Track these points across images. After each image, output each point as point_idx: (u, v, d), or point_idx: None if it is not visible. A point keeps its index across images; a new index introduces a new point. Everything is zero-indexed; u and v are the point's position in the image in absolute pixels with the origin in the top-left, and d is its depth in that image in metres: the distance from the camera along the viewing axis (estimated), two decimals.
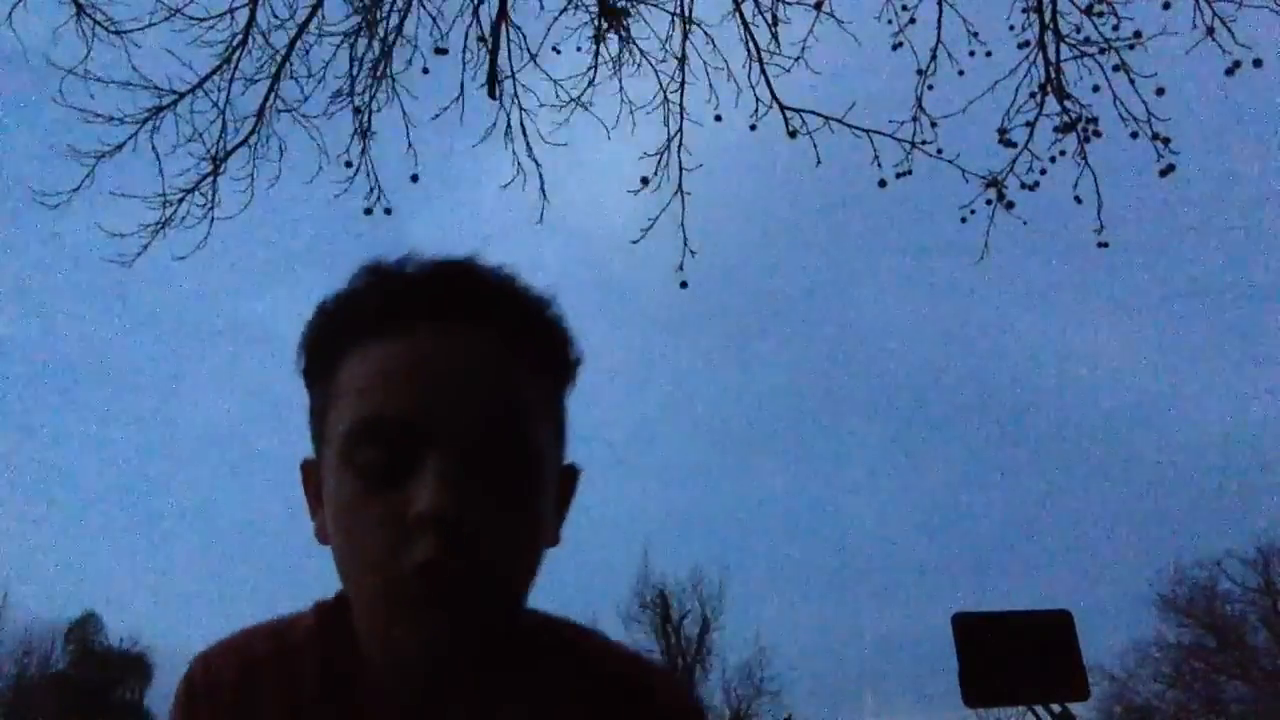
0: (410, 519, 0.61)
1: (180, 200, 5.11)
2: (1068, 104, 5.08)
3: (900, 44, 5.18)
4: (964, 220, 5.32)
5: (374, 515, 0.63)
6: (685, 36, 5.23)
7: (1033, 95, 5.12)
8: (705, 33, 5.22)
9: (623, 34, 5.28)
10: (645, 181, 5.31)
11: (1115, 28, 4.87)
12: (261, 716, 0.72)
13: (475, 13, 5.07)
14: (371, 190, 5.25)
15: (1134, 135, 4.95)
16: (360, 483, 0.64)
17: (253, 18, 4.98)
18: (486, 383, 0.65)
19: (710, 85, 5.26)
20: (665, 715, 0.75)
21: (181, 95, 5.00)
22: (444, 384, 0.64)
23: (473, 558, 0.62)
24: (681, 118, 5.35)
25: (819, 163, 5.17)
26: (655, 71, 5.33)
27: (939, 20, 5.05)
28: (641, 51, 5.31)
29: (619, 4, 5.24)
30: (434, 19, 5.04)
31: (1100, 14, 4.88)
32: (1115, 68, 4.90)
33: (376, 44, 5.14)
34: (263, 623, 0.79)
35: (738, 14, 5.20)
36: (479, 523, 0.62)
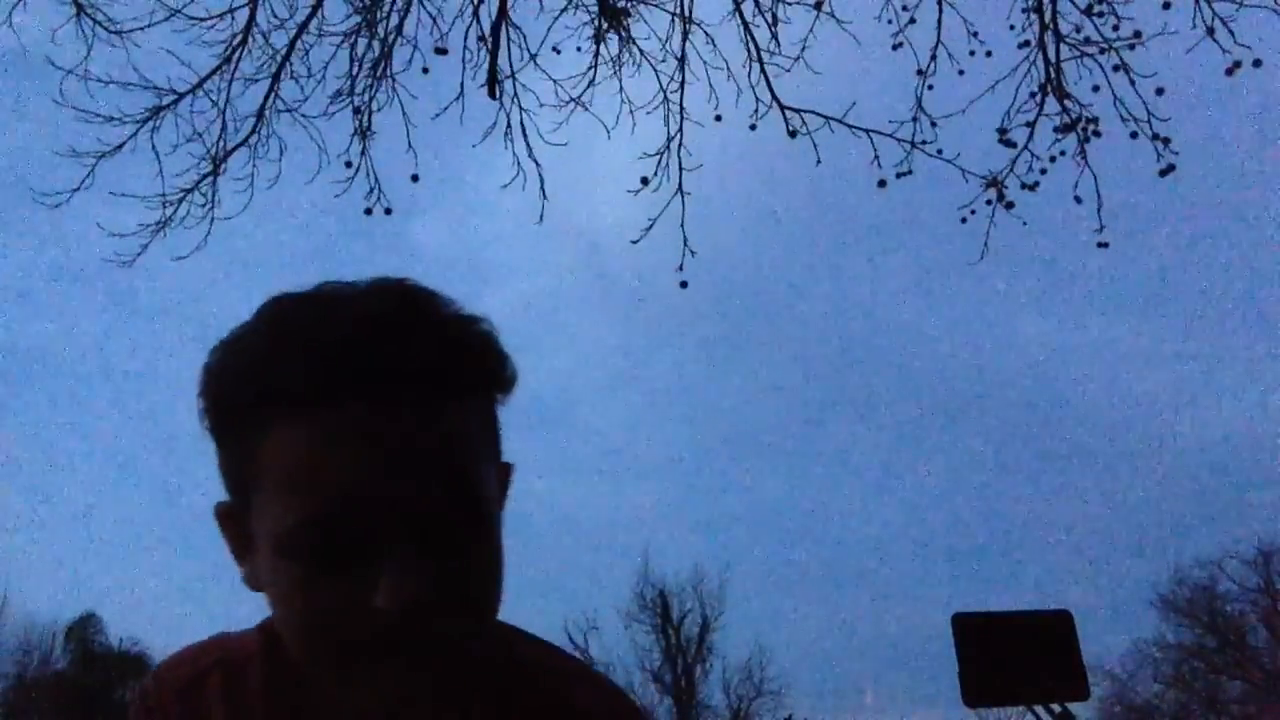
0: (370, 609, 0.59)
1: (180, 200, 5.12)
2: (1068, 104, 5.09)
3: (900, 44, 5.18)
4: (964, 220, 5.32)
5: (323, 608, 0.61)
6: (685, 36, 5.24)
7: (1033, 95, 5.12)
8: (705, 33, 5.23)
9: (623, 34, 5.28)
10: (645, 181, 5.31)
11: (1115, 28, 4.87)
12: None
13: (475, 13, 5.08)
14: (371, 190, 5.26)
15: (1134, 135, 4.96)
16: (303, 574, 0.61)
17: (253, 18, 4.98)
18: (428, 453, 0.61)
19: (710, 85, 5.27)
20: None
21: (181, 95, 5.01)
22: (383, 466, 0.60)
23: (439, 643, 0.62)
24: (681, 118, 5.35)
25: (819, 163, 5.18)
26: (655, 71, 5.33)
27: (939, 20, 5.05)
28: (641, 51, 5.31)
29: (619, 4, 5.24)
30: (434, 19, 5.05)
31: (1100, 14, 4.88)
32: (1115, 68, 4.91)
33: (376, 44, 5.15)
34: (208, 639, 0.82)
35: (738, 14, 5.20)
36: (441, 597, 0.61)
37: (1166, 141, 4.94)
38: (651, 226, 5.26)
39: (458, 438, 0.63)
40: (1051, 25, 5.03)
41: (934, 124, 5.14)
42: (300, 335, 0.62)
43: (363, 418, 0.60)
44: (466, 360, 0.65)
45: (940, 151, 5.15)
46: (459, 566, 0.63)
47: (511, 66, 5.11)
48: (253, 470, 0.63)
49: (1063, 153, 5.14)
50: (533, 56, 5.12)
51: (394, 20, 5.11)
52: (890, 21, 5.14)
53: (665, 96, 5.35)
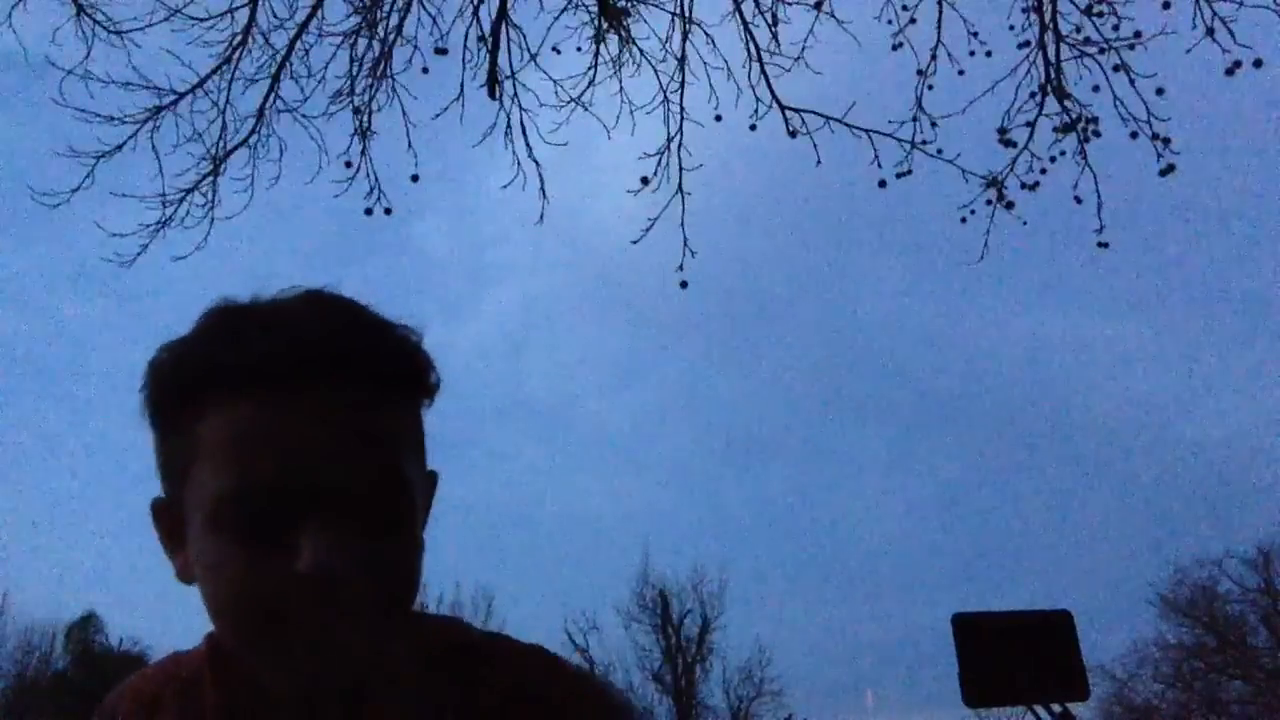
0: (291, 580, 0.62)
1: (180, 200, 5.12)
2: (1068, 104, 5.09)
3: (900, 44, 5.18)
4: (964, 220, 5.32)
5: (249, 576, 0.63)
6: (685, 36, 5.24)
7: (1033, 95, 5.12)
8: (705, 33, 5.23)
9: (623, 34, 5.28)
10: (645, 181, 5.31)
11: (1115, 28, 4.88)
12: None
13: (475, 13, 5.08)
14: (371, 190, 5.26)
15: (1134, 135, 4.96)
16: (232, 547, 0.64)
17: (253, 18, 4.98)
18: (359, 437, 0.65)
19: (710, 85, 5.27)
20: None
21: (181, 95, 5.01)
22: (317, 445, 0.63)
23: (358, 606, 0.64)
24: (681, 118, 5.35)
25: (819, 163, 5.18)
26: (655, 71, 5.33)
27: (939, 20, 5.05)
28: (641, 51, 5.31)
29: (619, 4, 5.24)
30: (434, 19, 5.05)
31: (1100, 14, 4.88)
32: (1115, 68, 4.91)
33: (376, 44, 5.15)
34: (164, 659, 0.84)
35: (738, 14, 5.20)
36: (360, 573, 0.64)
37: (1166, 141, 4.94)
38: (651, 226, 5.27)
39: (387, 429, 0.67)
40: (1051, 25, 5.03)
41: (934, 124, 5.15)
42: (242, 325, 0.67)
43: (299, 398, 0.64)
44: (397, 360, 0.69)
45: (940, 151, 5.16)
46: (381, 550, 0.65)
47: (511, 66, 5.11)
48: (191, 452, 0.66)
49: (1063, 153, 5.15)
50: (533, 56, 5.12)
51: (394, 20, 5.12)
52: (890, 21, 5.14)
53: (665, 96, 5.36)
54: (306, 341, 0.65)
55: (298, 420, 0.64)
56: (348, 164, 5.22)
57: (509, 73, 5.11)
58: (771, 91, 5.23)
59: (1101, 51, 4.92)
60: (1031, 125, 5.13)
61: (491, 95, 5.08)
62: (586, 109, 5.27)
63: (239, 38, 4.99)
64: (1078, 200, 5.17)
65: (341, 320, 0.68)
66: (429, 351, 0.73)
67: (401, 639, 0.73)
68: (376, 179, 5.27)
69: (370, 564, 0.64)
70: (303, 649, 0.63)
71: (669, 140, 5.35)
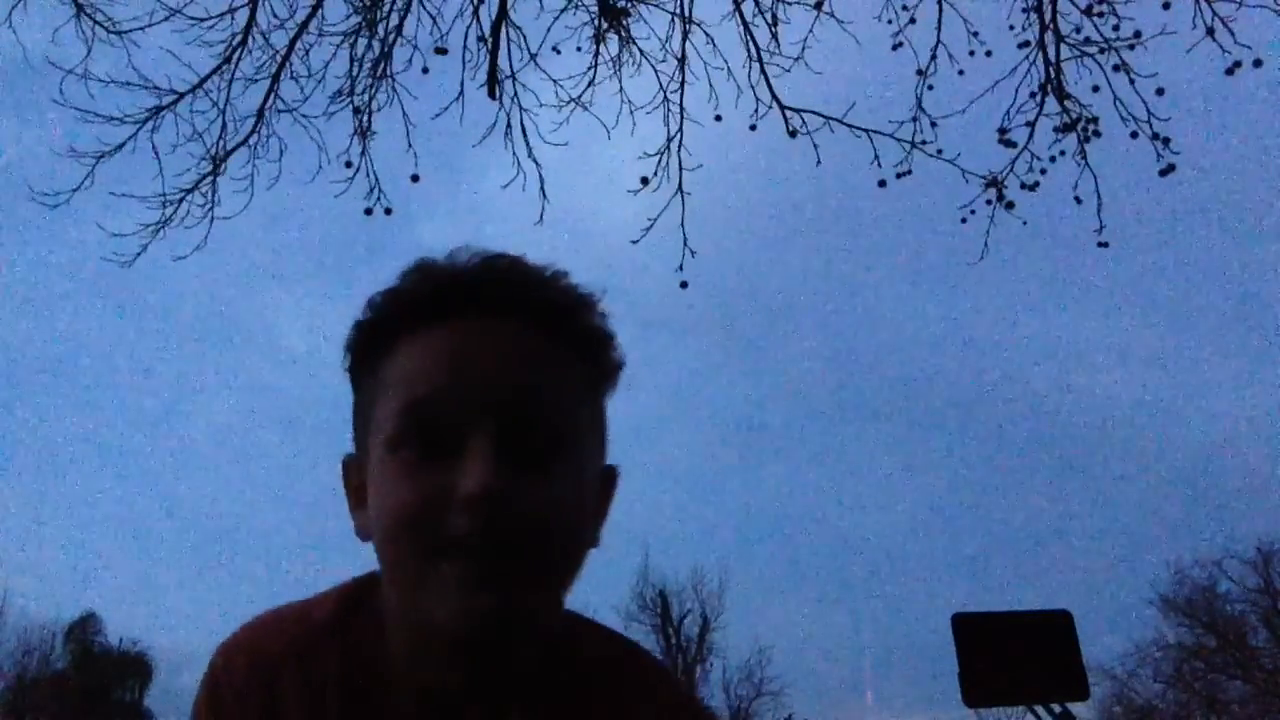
0: (457, 497, 0.62)
1: (180, 200, 5.11)
2: (1068, 104, 5.09)
3: (900, 44, 5.18)
4: (964, 220, 5.32)
5: (419, 493, 0.64)
6: (685, 36, 5.23)
7: (1033, 95, 5.12)
8: (705, 33, 5.22)
9: (623, 34, 5.28)
10: (645, 181, 5.31)
11: (1115, 28, 4.87)
12: (284, 717, 0.72)
13: (475, 13, 5.07)
14: (371, 190, 5.26)
15: (1134, 135, 4.96)
16: (406, 464, 0.65)
17: (253, 18, 4.98)
18: (524, 371, 0.67)
19: (710, 85, 5.27)
20: None
21: (181, 95, 5.00)
22: (483, 370, 0.66)
23: (519, 537, 0.63)
24: (681, 118, 5.35)
25: (819, 163, 5.18)
26: (655, 71, 5.32)
27: (939, 20, 5.05)
28: (641, 51, 5.31)
29: (619, 4, 5.24)
30: (434, 19, 5.04)
31: (1100, 14, 4.88)
32: (1115, 68, 4.91)
33: (376, 44, 5.14)
34: (282, 609, 0.78)
35: (738, 14, 5.20)
36: (524, 503, 0.64)
37: (1166, 141, 4.94)
38: (651, 226, 5.26)
39: (551, 378, 0.69)
40: (1051, 25, 5.03)
41: (934, 124, 5.14)
42: (425, 272, 0.71)
43: (468, 331, 0.68)
44: (572, 325, 0.71)
45: (940, 151, 5.15)
46: (545, 485, 0.66)
47: (511, 66, 5.11)
48: (376, 394, 0.70)
49: (1063, 153, 5.15)
50: (533, 56, 5.12)
51: (394, 20, 5.12)
52: (890, 21, 5.14)
53: (665, 96, 5.35)
54: (487, 284, 0.69)
55: (465, 348, 0.67)
56: (348, 164, 5.22)
57: (509, 73, 5.11)
58: (771, 91, 5.23)
59: (1101, 51, 4.92)
60: (1031, 125, 5.13)
61: (491, 95, 5.08)
62: (586, 109, 5.27)
63: (239, 38, 4.99)
64: (1078, 200, 5.17)
65: (527, 275, 0.71)
66: (619, 345, 0.75)
67: (558, 619, 0.74)
68: (376, 179, 5.27)
69: (535, 496, 0.64)
70: (458, 581, 0.63)
71: (669, 140, 5.35)
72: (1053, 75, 5.07)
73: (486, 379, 0.66)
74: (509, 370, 0.67)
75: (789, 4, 5.13)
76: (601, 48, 5.29)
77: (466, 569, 0.62)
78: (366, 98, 5.17)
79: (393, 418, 0.67)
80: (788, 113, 5.23)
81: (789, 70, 5.18)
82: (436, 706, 0.71)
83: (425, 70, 5.11)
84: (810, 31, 5.10)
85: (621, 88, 5.33)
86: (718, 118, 5.37)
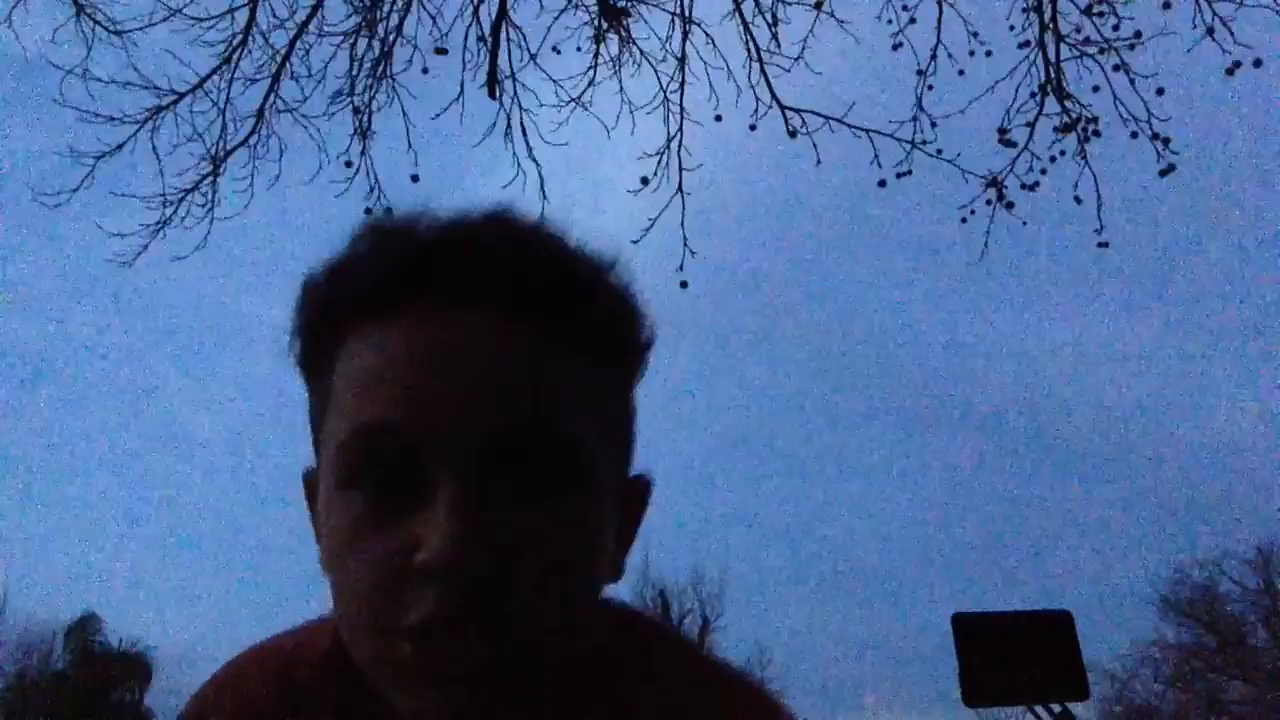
0: (415, 568, 0.47)
1: (180, 200, 5.12)
2: (1068, 104, 5.09)
3: (900, 44, 5.18)
4: (964, 220, 5.32)
5: (370, 556, 0.49)
6: (685, 36, 5.23)
7: (1033, 95, 5.12)
8: (705, 33, 5.22)
9: (623, 34, 5.28)
10: (645, 181, 5.31)
11: (1115, 28, 4.88)
12: None
13: (475, 13, 5.07)
14: (371, 190, 5.26)
15: (1134, 135, 4.96)
16: (354, 512, 0.50)
17: (253, 18, 4.98)
18: (509, 376, 0.51)
19: (710, 85, 5.27)
20: None
21: (181, 95, 5.01)
22: (453, 382, 0.50)
23: (503, 613, 0.48)
24: (681, 118, 5.35)
25: (819, 163, 5.18)
26: (655, 71, 5.32)
27: (939, 20, 5.05)
28: (641, 51, 5.31)
29: (619, 4, 5.24)
30: (434, 19, 5.05)
31: (1100, 14, 4.88)
32: (1115, 68, 4.91)
33: (376, 44, 5.15)
34: (269, 644, 0.66)
35: (738, 14, 5.20)
36: (510, 561, 0.48)
37: (1166, 141, 4.94)
38: (651, 226, 5.26)
39: (546, 379, 0.52)
40: (1051, 25, 5.03)
41: (934, 124, 5.15)
42: (380, 237, 0.55)
43: (431, 323, 0.51)
44: (578, 299, 0.54)
45: (940, 151, 5.16)
46: (539, 532, 0.50)
47: (511, 66, 5.11)
48: (328, 396, 0.54)
49: (1063, 153, 5.15)
50: (533, 56, 5.12)
51: (394, 20, 5.12)
52: (890, 21, 5.14)
53: (665, 96, 5.35)
54: (459, 254, 0.52)
55: (427, 350, 0.51)
56: (348, 164, 5.22)
57: (509, 73, 5.12)
58: (771, 91, 5.23)
59: (1101, 51, 4.92)
60: (1031, 125, 5.13)
61: (491, 95, 5.08)
62: (586, 109, 5.27)
63: (239, 38, 4.99)
64: (1078, 200, 5.17)
65: (512, 236, 0.54)
66: (645, 320, 0.57)
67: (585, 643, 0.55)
68: (376, 179, 5.27)
69: (527, 544, 0.49)
70: (423, 674, 0.48)
71: (669, 140, 5.35)
72: (1053, 75, 5.07)
73: (448, 399, 0.49)
74: (479, 384, 0.50)
75: (789, 4, 5.14)
76: (601, 48, 5.29)
77: (431, 659, 0.48)
78: (366, 98, 5.18)
79: (337, 447, 0.51)
80: (788, 113, 5.24)
81: (789, 70, 5.19)
82: None
83: (425, 70, 5.12)
84: (810, 31, 5.11)
85: (621, 88, 5.34)
86: (718, 118, 5.37)
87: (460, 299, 0.52)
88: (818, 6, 5.08)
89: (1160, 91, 4.91)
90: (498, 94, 5.09)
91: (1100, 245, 5.23)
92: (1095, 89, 5.00)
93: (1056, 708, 5.44)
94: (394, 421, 0.50)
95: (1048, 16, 5.02)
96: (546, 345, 0.52)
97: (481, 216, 0.55)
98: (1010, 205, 5.24)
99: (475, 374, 0.50)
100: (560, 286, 0.53)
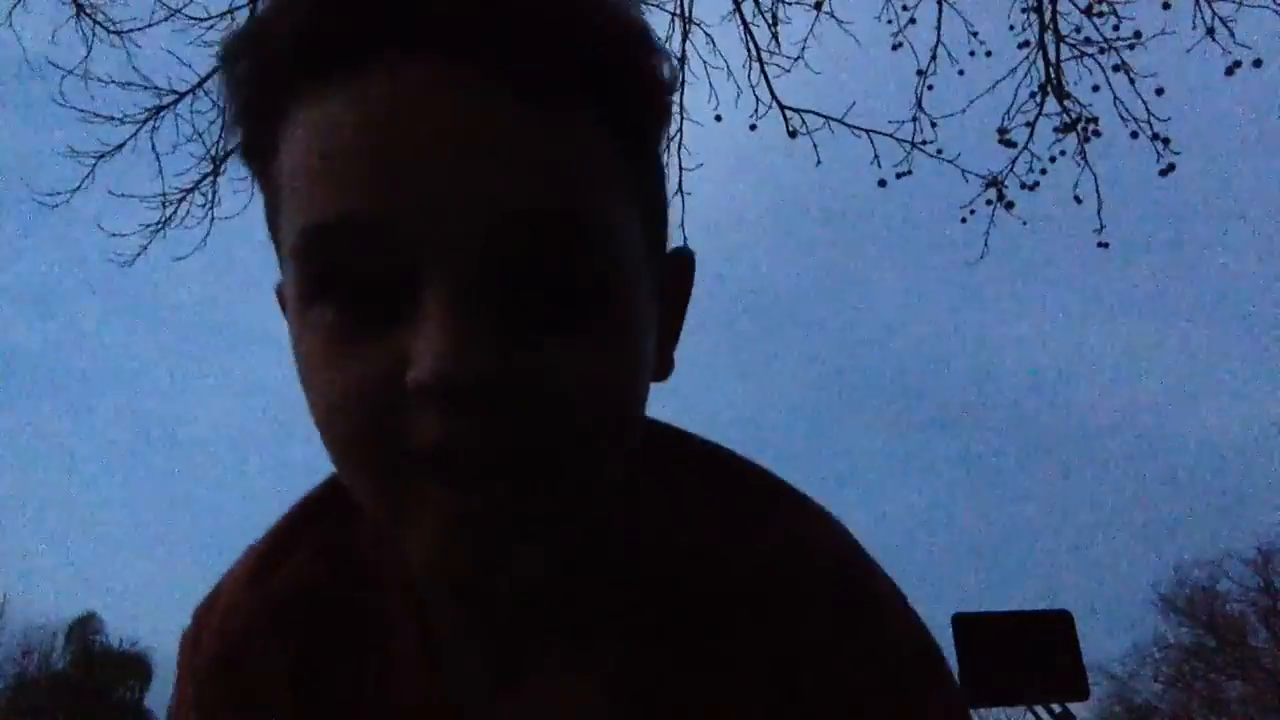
0: (408, 386, 0.37)
1: (180, 200, 5.12)
2: (1068, 104, 5.09)
3: (900, 44, 5.18)
4: (964, 220, 5.33)
5: (351, 379, 0.39)
6: (685, 36, 5.23)
7: (1033, 95, 5.12)
8: (705, 33, 5.22)
9: None
10: None
11: (1115, 28, 4.88)
12: (264, 691, 0.55)
13: None
14: None
15: (1134, 135, 4.96)
16: (326, 335, 0.40)
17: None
18: (506, 144, 0.38)
19: (710, 85, 5.27)
20: (885, 659, 0.48)
21: (181, 95, 5.01)
22: (436, 154, 0.38)
23: (522, 437, 0.39)
24: (681, 118, 5.35)
25: (819, 163, 5.18)
26: None
27: (939, 20, 5.05)
28: None
29: None
30: None
31: (1100, 14, 4.88)
32: (1115, 68, 4.91)
33: None
34: (255, 554, 0.59)
35: (738, 14, 5.20)
36: (519, 374, 0.38)
37: (1166, 141, 4.94)
38: None
39: (554, 145, 0.39)
40: (1051, 25, 5.03)
41: (934, 124, 5.15)
42: None
43: (400, 83, 0.38)
44: (585, 40, 0.41)
45: (940, 151, 5.16)
46: (556, 330, 0.39)
47: None
48: (278, 187, 0.42)
49: (1063, 153, 5.15)
50: None
51: None
52: (890, 21, 5.15)
53: None
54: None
55: (400, 118, 0.38)
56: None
57: None
58: (771, 91, 5.23)
59: (1101, 51, 4.92)
60: (1031, 125, 5.13)
61: None
62: None
63: None
64: (1078, 200, 5.17)
65: None
66: (656, 41, 0.44)
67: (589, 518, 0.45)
68: None
69: (528, 360, 0.38)
70: (435, 515, 0.40)
71: (668, 140, 5.34)
72: (1053, 75, 5.08)
73: (429, 179, 0.37)
74: (468, 156, 0.38)
75: (789, 4, 5.14)
76: None
77: (444, 497, 0.39)
78: None
79: (291, 254, 0.41)
80: (788, 113, 5.24)
81: (789, 70, 5.19)
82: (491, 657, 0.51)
83: None
84: (810, 31, 5.11)
85: None
86: (718, 118, 5.37)
87: (438, 48, 0.38)
88: (818, 6, 5.08)
89: (1160, 91, 4.91)
90: None
91: (1100, 245, 5.24)
92: (1095, 89, 5.01)
93: (1056, 708, 5.44)
94: (361, 212, 0.38)
95: (1048, 16, 5.02)
96: (557, 102, 0.40)
97: None
98: (1010, 205, 5.24)
99: (466, 142, 0.38)
100: (563, 24, 0.40)
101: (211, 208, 5.17)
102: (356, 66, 0.39)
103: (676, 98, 0.45)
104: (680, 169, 5.34)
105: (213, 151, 5.13)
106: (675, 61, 0.44)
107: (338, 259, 0.39)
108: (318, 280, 0.40)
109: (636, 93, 0.44)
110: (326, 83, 0.39)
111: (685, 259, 0.53)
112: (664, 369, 0.50)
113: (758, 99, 5.24)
